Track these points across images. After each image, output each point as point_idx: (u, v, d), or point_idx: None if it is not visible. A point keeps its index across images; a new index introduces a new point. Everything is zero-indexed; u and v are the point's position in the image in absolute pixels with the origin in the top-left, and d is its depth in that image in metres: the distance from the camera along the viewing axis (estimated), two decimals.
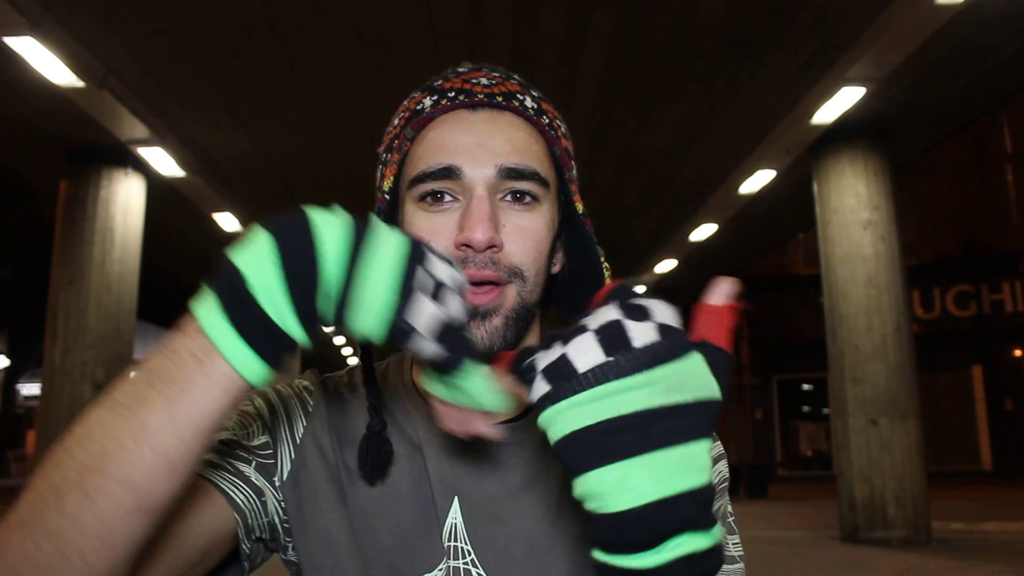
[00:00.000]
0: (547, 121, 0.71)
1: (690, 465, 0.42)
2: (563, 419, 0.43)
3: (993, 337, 17.30)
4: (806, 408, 20.01)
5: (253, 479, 0.66)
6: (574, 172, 0.73)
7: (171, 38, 5.75)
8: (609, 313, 0.44)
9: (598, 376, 0.42)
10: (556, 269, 0.74)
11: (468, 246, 0.63)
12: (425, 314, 0.48)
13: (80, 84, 5.98)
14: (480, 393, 0.50)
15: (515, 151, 0.66)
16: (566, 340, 0.44)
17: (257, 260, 0.46)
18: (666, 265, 12.46)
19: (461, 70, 0.71)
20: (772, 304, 19.02)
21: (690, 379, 0.43)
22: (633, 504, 0.41)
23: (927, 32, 5.52)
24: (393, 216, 0.72)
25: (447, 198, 0.66)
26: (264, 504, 0.67)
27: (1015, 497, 11.74)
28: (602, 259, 0.72)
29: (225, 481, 0.64)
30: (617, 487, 0.41)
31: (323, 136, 7.53)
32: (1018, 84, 7.07)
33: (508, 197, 0.66)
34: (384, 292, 0.47)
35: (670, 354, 0.43)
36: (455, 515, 0.67)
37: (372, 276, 0.47)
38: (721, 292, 0.49)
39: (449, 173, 0.65)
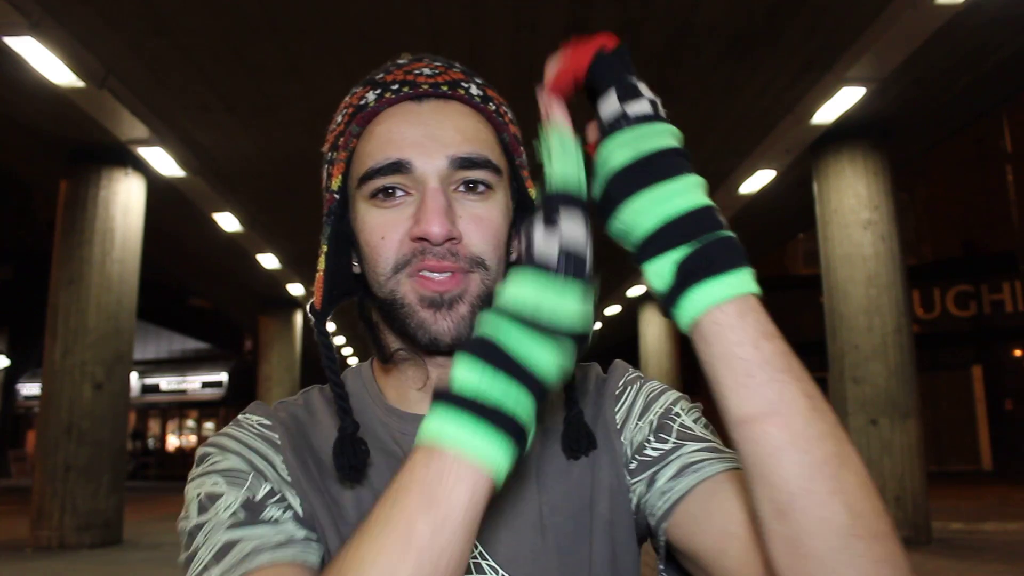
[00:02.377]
0: (494, 108, 0.70)
1: (689, 190, 0.54)
2: (614, 152, 0.55)
3: (993, 337, 17.30)
4: None
5: (304, 534, 0.63)
6: (524, 158, 0.73)
7: (171, 38, 5.75)
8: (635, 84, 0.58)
9: (639, 119, 0.56)
10: (514, 257, 0.72)
11: (424, 239, 0.63)
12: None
13: (80, 84, 5.98)
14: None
15: (466, 140, 0.65)
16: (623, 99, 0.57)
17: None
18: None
19: (401, 62, 0.70)
20: (772, 304, 18.96)
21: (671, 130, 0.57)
22: (652, 226, 0.53)
23: (927, 32, 5.52)
24: (344, 215, 0.70)
25: (399, 193, 0.65)
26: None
27: (1015, 497, 11.74)
28: None
29: (299, 552, 0.61)
30: (638, 215, 0.54)
31: (323, 136, 7.52)
32: (1018, 84, 7.07)
33: (462, 187, 0.65)
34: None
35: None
36: None
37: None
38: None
39: (399, 168, 0.64)
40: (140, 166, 7.87)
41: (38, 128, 7.27)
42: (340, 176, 0.69)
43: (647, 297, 14.81)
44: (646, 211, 0.53)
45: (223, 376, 25.95)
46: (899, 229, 7.51)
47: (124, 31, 5.65)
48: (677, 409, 0.70)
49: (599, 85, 0.57)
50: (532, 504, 0.67)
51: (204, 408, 26.93)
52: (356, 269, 0.71)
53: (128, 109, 6.61)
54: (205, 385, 26.30)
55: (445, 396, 0.51)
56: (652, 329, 15.12)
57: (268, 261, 11.66)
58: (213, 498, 0.62)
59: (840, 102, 6.60)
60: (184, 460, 26.96)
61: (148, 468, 25.53)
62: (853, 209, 7.45)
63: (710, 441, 0.68)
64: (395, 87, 0.67)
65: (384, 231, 0.64)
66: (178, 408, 27.23)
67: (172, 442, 27.59)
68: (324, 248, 0.69)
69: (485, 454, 0.49)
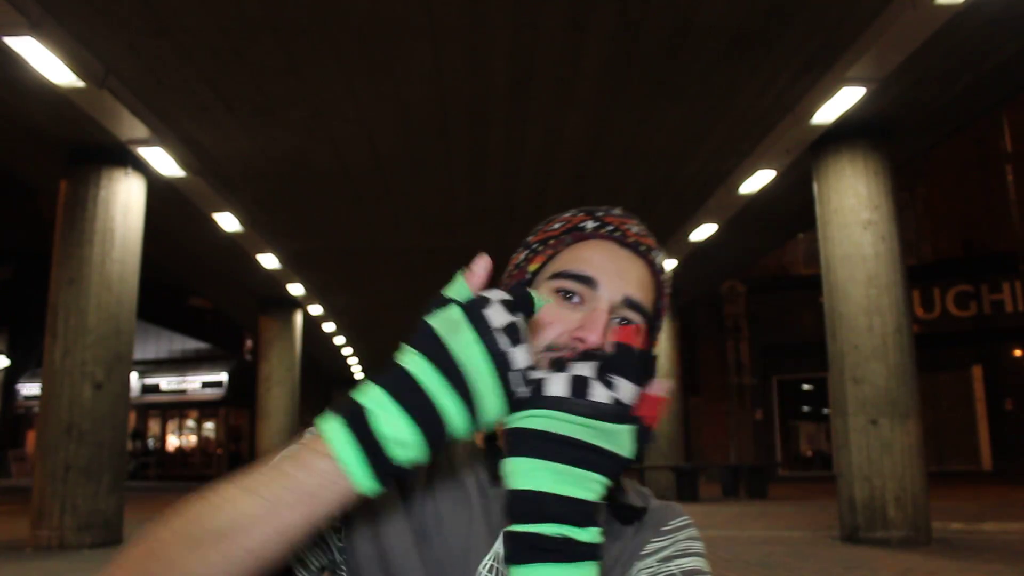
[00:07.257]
0: (664, 279, 0.90)
1: (584, 484, 0.60)
2: (520, 417, 0.62)
3: (993, 337, 17.31)
4: (806, 408, 20.00)
5: None
6: (662, 322, 0.92)
7: (171, 38, 5.75)
8: (586, 369, 0.64)
9: (551, 404, 0.61)
10: None
11: (582, 340, 0.78)
12: (521, 360, 0.60)
13: (80, 84, 5.98)
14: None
15: (640, 289, 0.84)
16: (557, 368, 0.64)
17: (375, 399, 0.58)
18: (666, 265, 12.45)
19: (616, 212, 0.90)
20: (772, 304, 19.02)
21: (616, 438, 0.62)
22: (530, 488, 0.60)
23: (927, 32, 5.52)
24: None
25: (575, 298, 0.82)
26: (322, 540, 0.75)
27: (1015, 497, 11.74)
28: None
29: None
30: (524, 473, 0.61)
31: (323, 136, 7.53)
32: (1018, 84, 7.08)
33: (618, 320, 0.82)
34: (487, 377, 0.58)
35: (609, 416, 0.62)
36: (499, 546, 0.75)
37: (469, 372, 0.58)
38: (661, 387, 0.67)
39: (588, 282, 0.82)
40: (140, 166, 7.87)
41: (38, 128, 7.27)
42: (539, 264, 0.86)
43: None
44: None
45: (223, 376, 25.95)
46: (899, 229, 7.51)
47: (124, 31, 5.65)
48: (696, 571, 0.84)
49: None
50: None
51: (204, 408, 26.93)
52: None
53: (128, 109, 6.62)
54: (205, 385, 26.30)
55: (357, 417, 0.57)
56: None
57: (268, 261, 11.67)
58: None
59: (840, 102, 6.60)
60: (184, 460, 26.98)
61: (148, 468, 25.52)
62: (853, 209, 7.46)
63: None
64: (610, 228, 0.87)
65: (554, 318, 0.80)
66: (178, 408, 27.23)
67: (172, 442, 27.58)
68: None
69: (357, 477, 0.56)
